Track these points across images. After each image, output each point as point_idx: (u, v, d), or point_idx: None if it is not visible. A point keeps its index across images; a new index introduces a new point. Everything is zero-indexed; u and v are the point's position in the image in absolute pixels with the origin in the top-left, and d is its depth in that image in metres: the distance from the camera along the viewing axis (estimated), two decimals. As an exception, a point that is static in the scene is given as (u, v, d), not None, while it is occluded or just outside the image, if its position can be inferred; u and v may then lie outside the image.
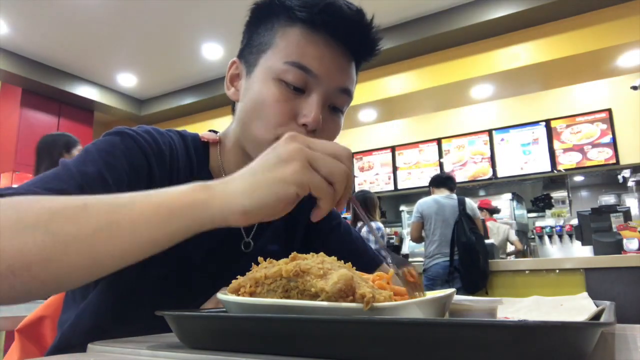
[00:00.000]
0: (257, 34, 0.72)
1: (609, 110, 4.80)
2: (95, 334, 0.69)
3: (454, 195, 3.66)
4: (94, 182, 0.59)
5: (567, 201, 5.24)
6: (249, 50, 0.73)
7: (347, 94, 0.72)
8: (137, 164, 0.66)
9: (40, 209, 0.46)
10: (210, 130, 0.84)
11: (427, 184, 3.98)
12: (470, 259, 3.32)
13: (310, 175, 0.47)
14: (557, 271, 3.21)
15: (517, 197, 5.21)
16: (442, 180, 3.77)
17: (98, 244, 0.46)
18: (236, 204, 0.47)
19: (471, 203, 3.65)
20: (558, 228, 3.88)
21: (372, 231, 0.65)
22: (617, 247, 3.12)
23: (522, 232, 4.72)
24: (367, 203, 3.70)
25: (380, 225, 3.86)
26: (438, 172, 5.42)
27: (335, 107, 0.71)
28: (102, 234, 0.45)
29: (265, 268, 0.48)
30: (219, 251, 0.75)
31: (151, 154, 0.68)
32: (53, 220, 0.45)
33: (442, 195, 3.65)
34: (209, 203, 0.48)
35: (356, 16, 0.68)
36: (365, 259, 0.90)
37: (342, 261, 0.50)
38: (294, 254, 0.48)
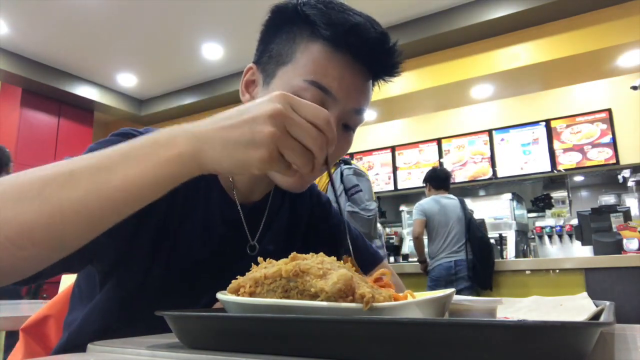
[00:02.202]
0: (276, 42, 0.71)
1: (609, 110, 4.80)
2: (103, 334, 0.69)
3: (452, 195, 3.67)
4: None
5: (567, 201, 5.23)
6: (267, 60, 0.72)
7: (362, 114, 0.72)
8: None
9: (31, 179, 0.48)
10: None
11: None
12: (485, 255, 3.33)
13: (275, 164, 0.50)
14: (557, 271, 3.21)
15: (517, 197, 5.20)
16: (442, 181, 3.75)
17: (91, 203, 0.48)
18: (209, 168, 0.51)
19: (467, 204, 3.67)
20: (558, 228, 3.87)
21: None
22: (617, 247, 3.12)
23: (522, 232, 4.71)
24: None
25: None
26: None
27: (348, 126, 0.72)
28: (92, 195, 0.48)
29: (264, 268, 0.48)
30: (223, 253, 0.75)
31: None
32: (46, 188, 0.47)
33: (441, 195, 3.65)
34: (185, 161, 0.50)
35: (381, 39, 0.68)
36: (365, 257, 0.90)
37: (342, 261, 0.50)
38: (293, 254, 0.48)
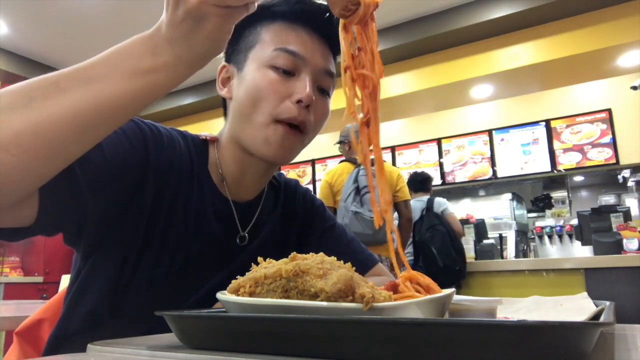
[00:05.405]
0: (241, 38, 0.78)
1: (609, 110, 4.79)
2: (90, 320, 0.70)
3: (425, 198, 3.70)
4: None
5: (567, 201, 5.23)
6: (237, 53, 0.79)
7: (331, 76, 0.78)
8: (136, 140, 0.70)
9: (17, 92, 0.48)
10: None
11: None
12: (425, 256, 3.39)
13: (230, 18, 0.50)
14: (557, 271, 3.21)
15: (517, 197, 5.20)
16: (419, 184, 3.81)
17: (80, 112, 0.48)
18: (188, 73, 0.53)
19: (440, 202, 3.66)
20: (558, 228, 3.87)
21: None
22: (617, 247, 3.12)
23: (522, 232, 4.71)
24: None
25: None
26: (437, 171, 5.43)
27: (323, 89, 0.78)
28: (81, 104, 0.48)
29: (264, 268, 0.48)
30: (213, 244, 0.77)
31: (149, 134, 0.73)
32: (33, 99, 0.47)
33: (416, 199, 3.68)
34: (171, 68, 0.52)
35: (327, 6, 0.76)
36: (360, 259, 0.92)
37: (342, 261, 0.50)
38: (293, 254, 0.48)
